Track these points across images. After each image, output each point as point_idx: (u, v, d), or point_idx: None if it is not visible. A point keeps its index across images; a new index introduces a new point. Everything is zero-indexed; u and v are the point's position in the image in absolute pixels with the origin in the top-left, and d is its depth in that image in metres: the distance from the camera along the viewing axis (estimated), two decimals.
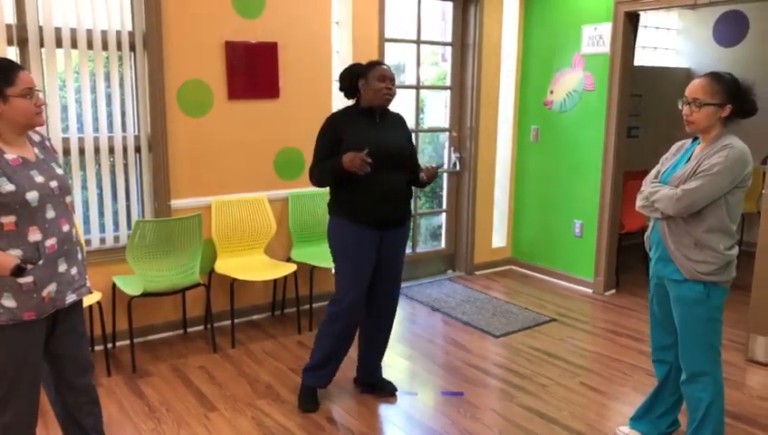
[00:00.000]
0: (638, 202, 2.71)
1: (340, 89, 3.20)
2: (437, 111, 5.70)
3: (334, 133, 3.09)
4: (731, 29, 6.41)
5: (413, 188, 3.27)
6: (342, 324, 3.16)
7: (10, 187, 2.08)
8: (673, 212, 2.52)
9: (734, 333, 4.21)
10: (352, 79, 3.14)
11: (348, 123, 3.11)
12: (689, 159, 2.60)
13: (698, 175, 2.48)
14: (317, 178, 3.14)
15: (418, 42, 5.10)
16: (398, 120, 3.29)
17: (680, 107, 2.59)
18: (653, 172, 2.74)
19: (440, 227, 5.74)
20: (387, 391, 3.39)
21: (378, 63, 3.16)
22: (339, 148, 3.03)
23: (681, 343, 2.66)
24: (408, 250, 5.50)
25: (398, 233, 3.21)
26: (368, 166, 2.93)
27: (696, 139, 2.66)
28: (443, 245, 5.68)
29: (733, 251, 2.56)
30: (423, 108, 5.64)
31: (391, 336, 3.42)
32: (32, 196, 2.12)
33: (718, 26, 6.50)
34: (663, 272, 2.67)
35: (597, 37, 4.91)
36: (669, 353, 2.79)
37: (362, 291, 3.15)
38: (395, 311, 3.38)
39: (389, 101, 3.13)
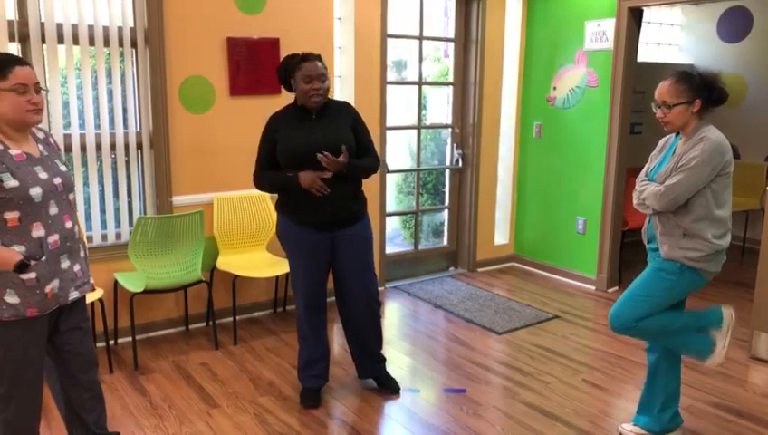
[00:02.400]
0: (634, 200, 2.81)
1: (279, 83, 3.10)
2: (440, 107, 5.69)
3: (270, 135, 3.06)
4: (735, 25, 6.38)
5: (360, 183, 3.14)
6: (307, 319, 3.17)
7: (13, 182, 2.08)
8: (659, 207, 2.64)
9: (737, 331, 4.20)
10: (286, 75, 3.03)
11: (283, 123, 3.04)
12: (673, 155, 2.70)
13: (679, 170, 2.59)
14: (261, 186, 3.14)
15: (421, 38, 5.09)
16: (341, 111, 3.11)
17: (654, 110, 2.69)
18: (644, 170, 2.85)
19: (442, 223, 5.73)
20: (389, 389, 3.38)
21: (304, 59, 2.97)
22: (275, 149, 3.03)
23: (627, 293, 2.74)
24: (410, 247, 5.50)
25: (351, 232, 3.11)
26: (327, 189, 2.91)
27: (678, 133, 2.75)
28: (445, 242, 5.66)
29: (722, 241, 2.64)
30: (425, 104, 5.63)
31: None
32: (35, 192, 2.12)
33: (722, 22, 6.47)
34: (657, 259, 2.76)
35: (600, 33, 4.89)
36: None
37: (314, 287, 3.14)
38: (372, 308, 3.27)
39: (319, 103, 2.97)
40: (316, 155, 2.89)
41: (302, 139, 2.98)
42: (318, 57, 3.01)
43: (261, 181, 3.14)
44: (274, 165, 3.07)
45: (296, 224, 3.06)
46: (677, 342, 2.77)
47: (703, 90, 2.59)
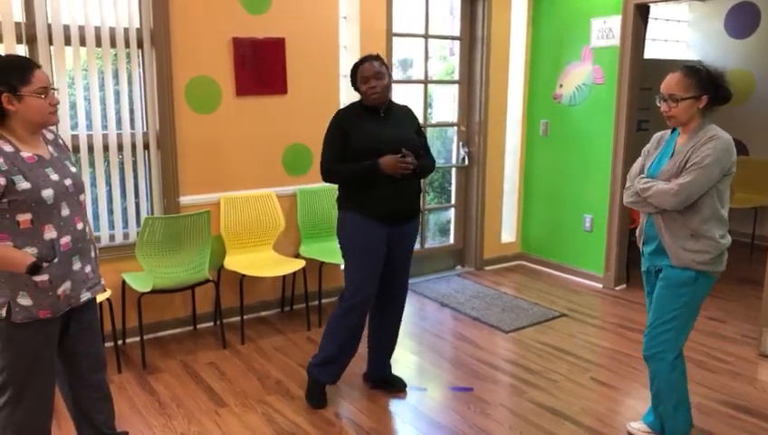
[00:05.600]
0: (627, 198, 2.76)
1: (353, 87, 3.20)
2: (446, 105, 5.68)
3: (341, 130, 3.08)
4: (742, 21, 6.34)
5: (422, 181, 3.25)
6: (353, 320, 3.15)
7: (26, 184, 2.09)
8: (669, 206, 2.58)
9: (746, 328, 4.19)
10: (354, 79, 3.14)
11: (353, 119, 3.10)
12: (674, 153, 2.65)
13: (690, 168, 2.54)
14: (336, 178, 3.11)
15: (426, 36, 5.08)
16: (405, 112, 3.26)
17: (658, 103, 2.64)
18: (637, 167, 2.78)
19: (449, 222, 5.72)
20: (396, 387, 3.38)
21: (360, 63, 3.10)
22: (347, 143, 3.04)
23: (652, 321, 2.77)
24: (417, 246, 5.46)
25: (408, 229, 3.20)
26: (410, 166, 2.96)
27: (675, 129, 2.71)
28: (452, 240, 5.66)
29: (725, 240, 2.63)
30: (431, 103, 5.62)
31: (400, 332, 3.42)
32: (47, 193, 2.13)
33: (729, 18, 6.43)
34: (660, 264, 2.73)
35: (606, 30, 4.87)
36: None
37: (374, 286, 3.14)
38: (403, 308, 3.37)
39: (379, 99, 3.05)
40: (398, 149, 2.98)
41: (376, 134, 3.04)
42: (375, 57, 3.11)
43: (336, 174, 3.09)
44: (344, 159, 3.08)
45: (363, 218, 3.07)
46: (670, 411, 2.76)
47: (710, 86, 2.55)
